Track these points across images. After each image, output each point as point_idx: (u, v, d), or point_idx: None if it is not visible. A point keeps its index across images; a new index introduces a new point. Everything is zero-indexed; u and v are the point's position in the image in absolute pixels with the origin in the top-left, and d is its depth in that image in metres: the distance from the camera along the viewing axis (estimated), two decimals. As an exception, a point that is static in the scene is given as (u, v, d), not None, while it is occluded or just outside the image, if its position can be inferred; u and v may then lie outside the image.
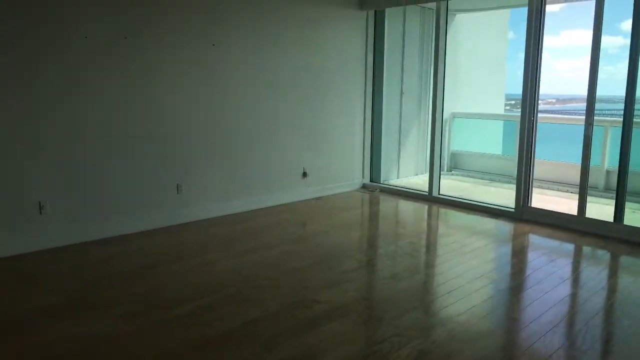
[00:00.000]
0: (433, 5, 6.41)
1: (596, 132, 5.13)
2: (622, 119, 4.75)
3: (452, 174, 8.16)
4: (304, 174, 6.13)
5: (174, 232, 4.78)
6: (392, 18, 6.99)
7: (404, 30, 7.24)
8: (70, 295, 3.36)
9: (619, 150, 4.80)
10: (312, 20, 5.94)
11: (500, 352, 2.72)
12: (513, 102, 10.23)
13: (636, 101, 4.76)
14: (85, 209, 4.43)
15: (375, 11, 6.64)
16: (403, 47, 7.27)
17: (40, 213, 4.20)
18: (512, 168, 6.34)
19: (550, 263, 4.09)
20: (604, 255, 4.46)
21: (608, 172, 6.63)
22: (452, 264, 4.10)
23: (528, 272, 3.99)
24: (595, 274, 3.94)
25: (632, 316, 3.15)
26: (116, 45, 4.43)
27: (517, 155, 5.43)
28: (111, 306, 3.19)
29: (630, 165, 4.81)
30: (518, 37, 10.13)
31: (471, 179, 7.82)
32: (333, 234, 4.82)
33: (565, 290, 3.58)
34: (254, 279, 3.65)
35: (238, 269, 3.85)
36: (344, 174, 6.65)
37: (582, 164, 4.99)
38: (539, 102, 5.37)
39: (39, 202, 4.18)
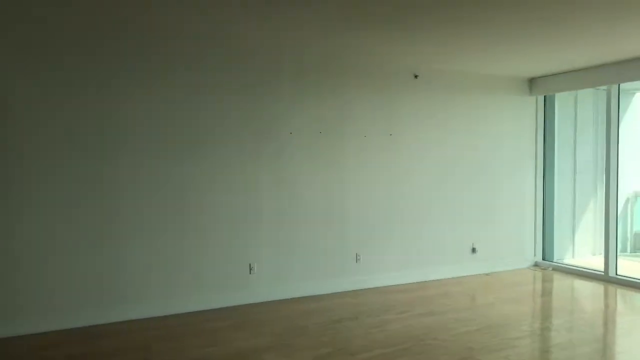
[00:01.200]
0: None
1: None
2: None
3: (637, 255, 7.76)
4: (473, 250, 6.49)
5: (353, 295, 5.47)
6: (563, 100, 7.23)
7: (575, 111, 7.41)
8: (275, 338, 4.17)
9: None
10: (483, 107, 6.51)
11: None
12: None
13: None
14: (285, 272, 5.36)
15: (545, 96, 6.98)
16: (575, 127, 7.40)
17: (250, 273, 5.21)
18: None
19: None
20: None
21: None
22: (621, 340, 4.13)
23: None
24: None
25: None
26: (314, 139, 5.46)
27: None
28: (307, 349, 3.92)
29: None
30: None
31: (658, 262, 7.38)
32: (501, 307, 5.09)
33: None
34: (424, 338, 4.13)
35: (410, 329, 4.36)
36: (515, 251, 6.85)
37: None
38: None
39: (249, 264, 5.21)
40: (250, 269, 5.21)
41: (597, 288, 5.91)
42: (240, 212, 5.14)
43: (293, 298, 5.33)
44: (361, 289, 5.70)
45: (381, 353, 3.81)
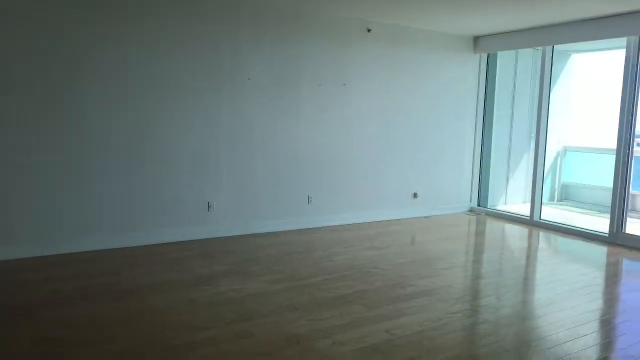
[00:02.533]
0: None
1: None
2: None
3: (562, 204, 8.58)
4: (415, 195, 7.08)
5: (305, 233, 5.98)
6: (505, 58, 7.77)
7: (515, 69, 7.96)
8: (231, 267, 4.63)
9: None
10: (431, 61, 6.96)
11: (544, 328, 3.47)
12: None
13: None
14: (241, 211, 5.78)
15: (488, 54, 7.49)
16: (514, 84, 7.97)
17: (209, 210, 5.61)
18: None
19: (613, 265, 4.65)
20: (686, 277, 4.88)
21: None
22: (535, 269, 4.82)
23: (602, 279, 4.60)
24: (667, 290, 4.45)
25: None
26: (271, 86, 5.80)
27: (613, 185, 5.94)
28: (260, 275, 4.41)
29: None
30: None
31: (580, 209, 8.18)
32: (436, 244, 5.71)
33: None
34: (365, 267, 4.69)
35: (353, 260, 4.91)
36: (453, 197, 7.49)
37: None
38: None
39: (208, 202, 5.60)
40: (209, 207, 5.60)
41: (523, 230, 6.63)
42: (201, 154, 5.49)
43: (248, 234, 5.78)
44: (312, 228, 6.20)
45: (326, 278, 4.34)
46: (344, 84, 6.29)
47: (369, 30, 6.37)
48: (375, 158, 6.68)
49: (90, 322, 3.39)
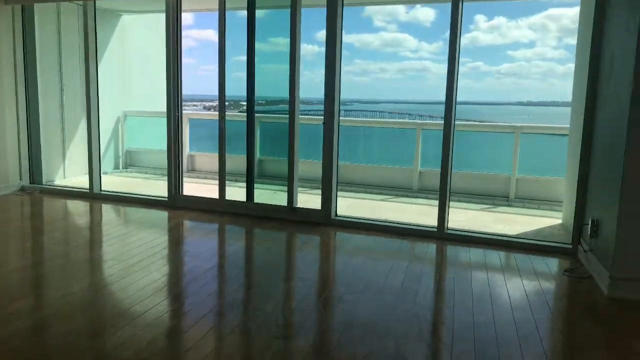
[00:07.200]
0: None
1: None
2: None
3: (128, 171, 8.38)
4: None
5: None
6: (46, 14, 6.83)
7: (59, 27, 7.11)
8: None
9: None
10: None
11: (117, 307, 3.10)
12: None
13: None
14: None
15: (22, 7, 6.39)
16: (59, 43, 7.13)
17: None
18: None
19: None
20: (239, 228, 5.29)
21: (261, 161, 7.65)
22: (100, 246, 4.41)
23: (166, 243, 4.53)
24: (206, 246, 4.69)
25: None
26: None
27: (167, 148, 5.94)
28: None
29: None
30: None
31: (145, 175, 8.14)
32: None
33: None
34: None
35: None
36: (-2, 177, 6.28)
37: (219, 153, 5.76)
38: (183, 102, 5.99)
39: None
40: None
41: (85, 205, 6.05)
42: None
43: None
44: None
45: None
46: None
47: None
48: None
49: None
